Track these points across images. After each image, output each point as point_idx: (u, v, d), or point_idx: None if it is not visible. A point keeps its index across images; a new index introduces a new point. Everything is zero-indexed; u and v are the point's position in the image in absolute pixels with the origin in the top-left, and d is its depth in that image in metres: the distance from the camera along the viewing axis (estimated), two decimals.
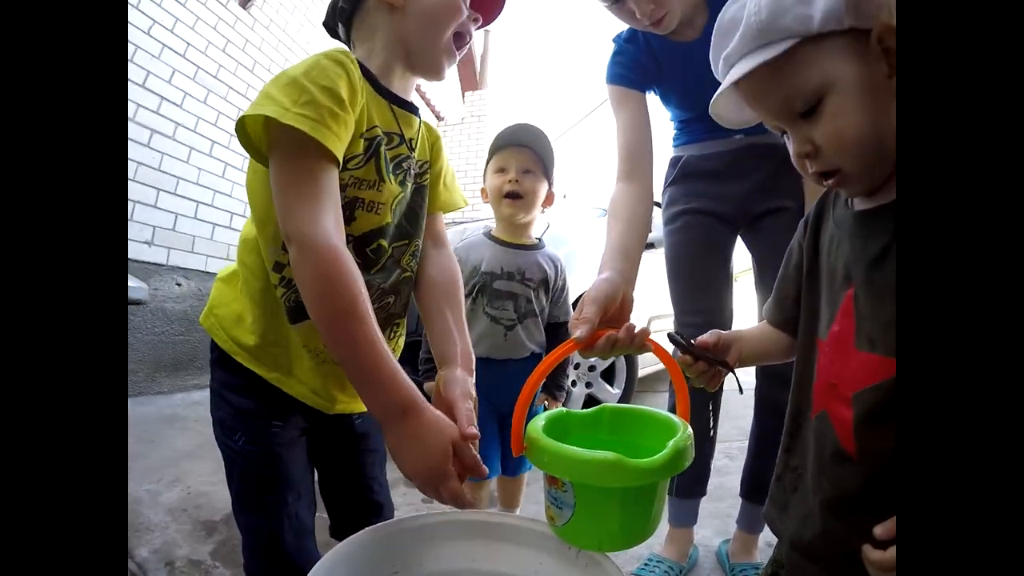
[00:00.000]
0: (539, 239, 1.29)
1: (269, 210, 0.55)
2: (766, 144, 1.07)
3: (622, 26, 1.02)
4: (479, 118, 6.02)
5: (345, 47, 0.66)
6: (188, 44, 2.64)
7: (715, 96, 0.55)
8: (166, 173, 2.51)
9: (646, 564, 1.12)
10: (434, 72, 0.67)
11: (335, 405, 0.66)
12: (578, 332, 0.62)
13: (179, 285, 2.59)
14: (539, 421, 0.58)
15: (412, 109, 0.68)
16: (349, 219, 0.59)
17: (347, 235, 0.58)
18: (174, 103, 2.55)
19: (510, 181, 1.16)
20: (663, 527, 1.15)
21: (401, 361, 0.56)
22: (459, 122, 6.14)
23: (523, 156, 1.18)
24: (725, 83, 0.51)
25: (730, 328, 1.11)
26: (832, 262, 0.52)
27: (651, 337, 0.66)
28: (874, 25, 0.41)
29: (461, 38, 0.66)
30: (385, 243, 0.64)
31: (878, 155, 0.43)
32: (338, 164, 0.53)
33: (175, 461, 1.61)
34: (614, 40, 1.07)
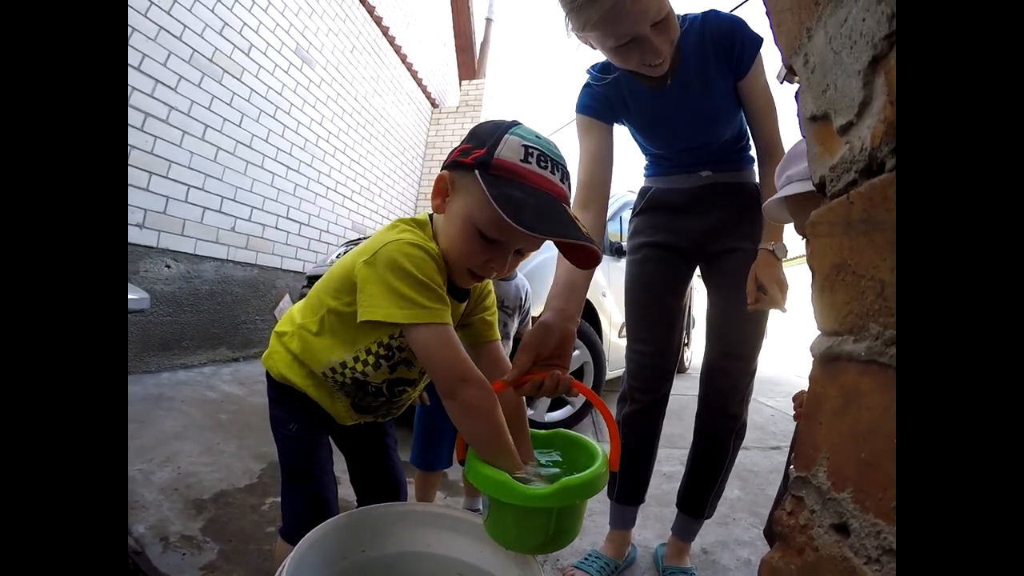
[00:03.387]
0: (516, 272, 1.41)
1: (355, 340, 0.73)
2: (728, 183, 1.12)
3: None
4: (474, 107, 5.99)
5: (425, 221, 0.74)
6: (185, 26, 2.65)
7: (768, 201, 0.80)
8: (158, 156, 2.55)
9: (585, 559, 1.22)
10: (458, 284, 0.75)
11: (355, 422, 0.86)
12: (507, 375, 0.73)
13: (168, 267, 2.65)
14: None
15: (461, 298, 0.78)
16: (392, 371, 0.77)
17: (386, 379, 0.78)
18: (168, 86, 2.57)
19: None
20: (604, 527, 1.28)
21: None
22: (454, 110, 6.13)
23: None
24: (779, 194, 0.76)
25: (678, 356, 1.23)
26: None
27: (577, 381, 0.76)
28: None
29: (481, 272, 0.72)
30: (406, 384, 0.83)
31: None
32: None
33: (165, 441, 1.71)
34: (588, 71, 1.09)
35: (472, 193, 0.64)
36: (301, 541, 0.62)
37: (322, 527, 0.66)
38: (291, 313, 0.83)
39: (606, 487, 1.26)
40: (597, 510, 1.54)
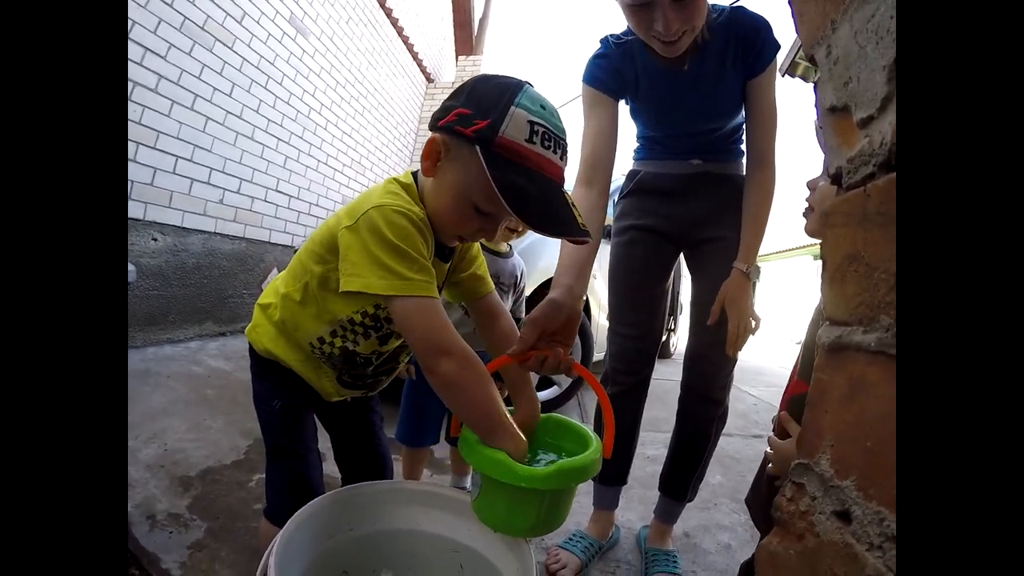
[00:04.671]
0: (510, 246, 1.40)
1: (333, 308, 0.73)
2: (718, 173, 1.13)
3: (615, 26, 1.02)
4: None
5: (408, 181, 0.72)
6: None
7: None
8: (146, 127, 2.47)
9: (569, 539, 1.24)
10: (447, 244, 0.76)
11: (340, 398, 0.85)
12: (512, 348, 0.74)
13: (155, 240, 2.60)
14: None
15: (446, 259, 0.79)
16: (383, 343, 0.78)
17: (375, 350, 0.78)
18: (158, 54, 2.49)
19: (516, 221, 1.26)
20: (588, 508, 1.30)
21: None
22: (448, 85, 6.03)
23: None
24: None
25: (660, 340, 1.25)
26: None
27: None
28: None
29: (470, 238, 0.73)
30: (394, 351, 0.84)
31: None
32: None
33: (151, 417, 1.69)
34: (601, 40, 1.07)
35: (470, 167, 0.62)
36: (288, 522, 0.61)
37: (309, 507, 0.65)
38: (275, 284, 0.81)
39: None
40: (581, 490, 1.55)
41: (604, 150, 1.02)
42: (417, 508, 0.75)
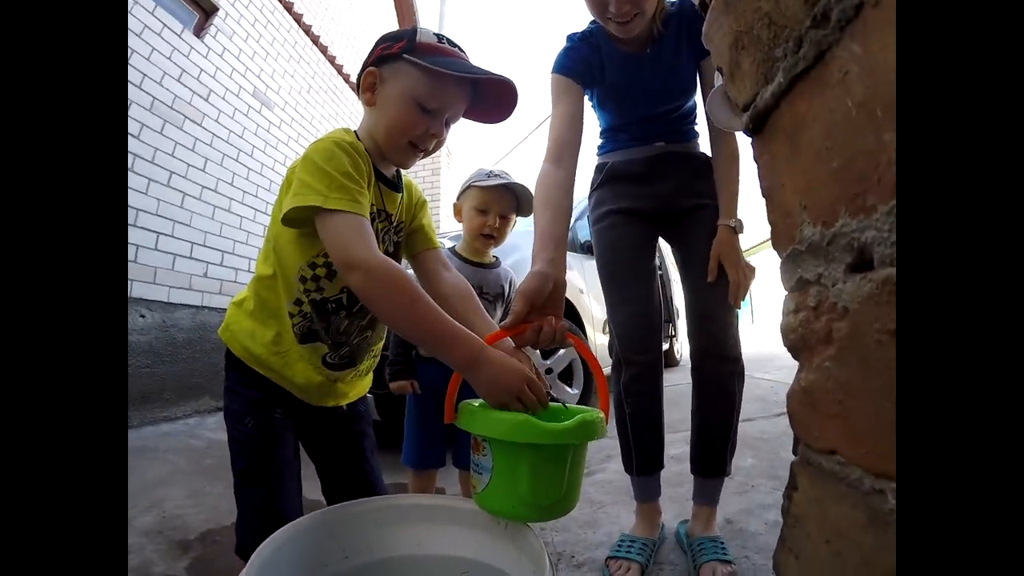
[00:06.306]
0: (496, 257, 1.38)
1: (294, 259, 0.73)
2: (682, 152, 1.20)
3: (582, 24, 1.14)
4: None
5: (349, 130, 0.78)
6: (144, 75, 2.65)
7: (710, 100, 0.78)
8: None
9: (619, 545, 1.13)
10: (399, 165, 0.81)
11: (326, 400, 0.80)
12: (504, 323, 0.72)
13: (143, 317, 2.56)
14: (474, 402, 0.65)
15: (395, 187, 0.81)
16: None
17: (344, 287, 0.75)
18: (131, 134, 2.55)
19: (489, 225, 1.26)
20: (616, 517, 1.20)
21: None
22: None
23: (504, 201, 1.27)
24: (720, 85, 0.74)
25: (660, 317, 1.22)
26: None
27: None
28: None
29: (421, 143, 0.76)
30: None
31: None
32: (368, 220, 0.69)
33: (148, 489, 1.60)
34: (568, 37, 1.16)
35: (405, 73, 0.72)
36: (262, 545, 0.52)
37: (287, 530, 0.56)
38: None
39: (623, 463, 1.23)
40: (607, 501, 1.48)
41: (572, 133, 1.05)
42: (417, 526, 0.66)
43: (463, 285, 0.85)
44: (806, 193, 0.26)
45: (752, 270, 1.09)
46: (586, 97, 1.16)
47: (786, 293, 0.31)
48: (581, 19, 1.16)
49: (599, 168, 1.28)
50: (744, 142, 1.12)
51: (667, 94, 1.16)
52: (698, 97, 1.20)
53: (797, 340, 0.30)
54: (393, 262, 0.66)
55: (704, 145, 1.21)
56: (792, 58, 0.25)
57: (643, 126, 1.20)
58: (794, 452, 0.82)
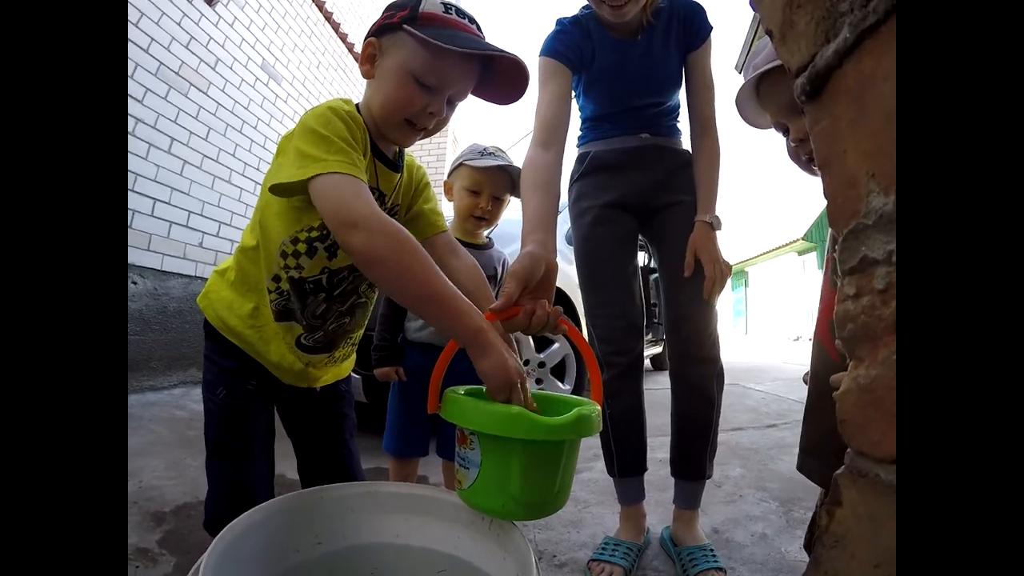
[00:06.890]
0: (489, 238, 1.34)
1: (278, 232, 0.69)
2: (665, 146, 1.19)
3: (575, 9, 1.14)
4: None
5: (350, 100, 0.74)
6: (152, 39, 2.59)
7: (739, 94, 0.82)
8: None
9: (603, 548, 1.11)
10: (396, 143, 0.76)
11: (299, 382, 0.77)
12: (495, 305, 0.66)
13: (134, 284, 2.52)
14: (459, 389, 0.61)
15: (393, 167, 0.77)
16: (332, 256, 0.72)
17: (324, 267, 0.71)
18: (135, 98, 2.50)
19: (481, 207, 1.21)
20: (601, 518, 1.18)
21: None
22: None
23: (498, 182, 1.22)
24: (751, 78, 0.78)
25: (642, 318, 1.19)
26: None
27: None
28: None
29: (419, 121, 0.72)
30: (346, 274, 0.75)
31: None
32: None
33: (128, 458, 1.57)
34: (558, 21, 1.14)
35: (404, 46, 0.67)
36: (225, 529, 0.49)
37: (255, 512, 0.53)
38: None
39: (605, 466, 1.21)
40: (592, 501, 1.45)
41: (560, 114, 1.04)
42: (395, 516, 0.63)
43: (476, 272, 0.81)
44: (875, 159, 0.23)
45: (728, 267, 1.07)
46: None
47: (844, 277, 0.27)
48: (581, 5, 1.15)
49: (580, 158, 1.25)
50: (728, 141, 1.16)
51: (654, 84, 1.16)
52: (682, 95, 1.20)
53: (858, 330, 0.26)
54: (397, 223, 0.61)
55: (687, 144, 1.21)
56: (860, 12, 0.21)
57: (628, 116, 1.19)
58: (799, 469, 0.79)
